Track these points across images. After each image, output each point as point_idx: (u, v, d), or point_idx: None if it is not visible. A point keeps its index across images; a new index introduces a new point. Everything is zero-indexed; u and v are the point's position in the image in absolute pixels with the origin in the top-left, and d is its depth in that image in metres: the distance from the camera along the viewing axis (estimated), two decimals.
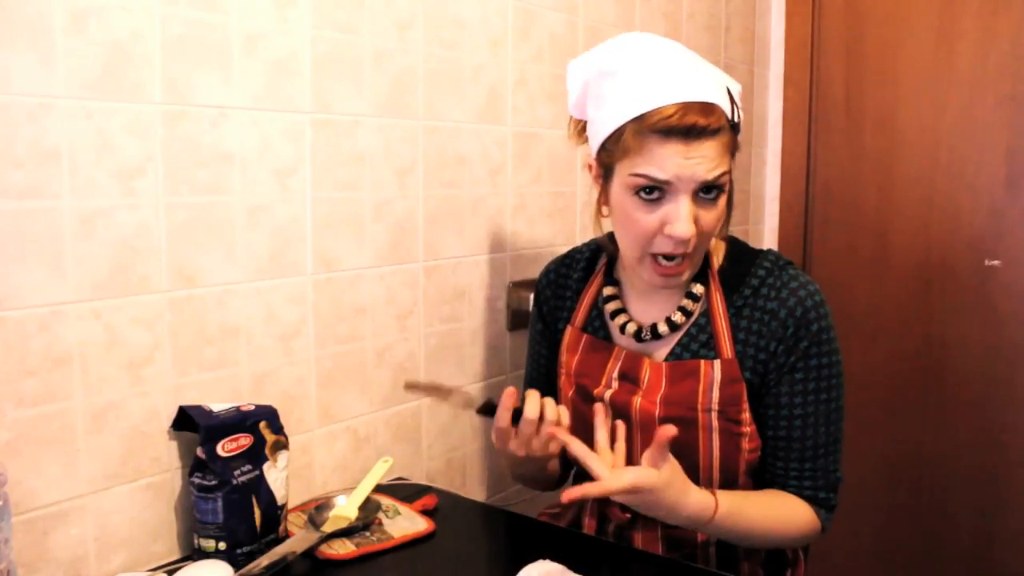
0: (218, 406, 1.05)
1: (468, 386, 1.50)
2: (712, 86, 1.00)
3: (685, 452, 1.06)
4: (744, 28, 2.29)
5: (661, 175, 0.98)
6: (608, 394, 1.12)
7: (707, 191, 1.00)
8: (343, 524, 1.10)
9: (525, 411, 1.01)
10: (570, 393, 1.18)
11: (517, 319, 1.58)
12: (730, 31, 2.21)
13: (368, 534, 1.10)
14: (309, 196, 1.20)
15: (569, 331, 1.21)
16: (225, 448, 1.02)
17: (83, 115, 0.94)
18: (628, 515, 1.14)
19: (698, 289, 1.10)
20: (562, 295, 1.25)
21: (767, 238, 2.49)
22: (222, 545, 1.02)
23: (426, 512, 1.19)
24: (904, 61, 2.23)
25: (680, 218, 0.99)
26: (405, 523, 1.14)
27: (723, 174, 1.00)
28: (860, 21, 2.28)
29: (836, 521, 1.13)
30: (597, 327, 1.19)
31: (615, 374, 1.13)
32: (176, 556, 1.07)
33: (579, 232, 1.73)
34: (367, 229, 1.29)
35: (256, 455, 1.05)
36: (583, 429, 1.12)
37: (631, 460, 1.09)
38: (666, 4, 1.93)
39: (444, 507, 1.22)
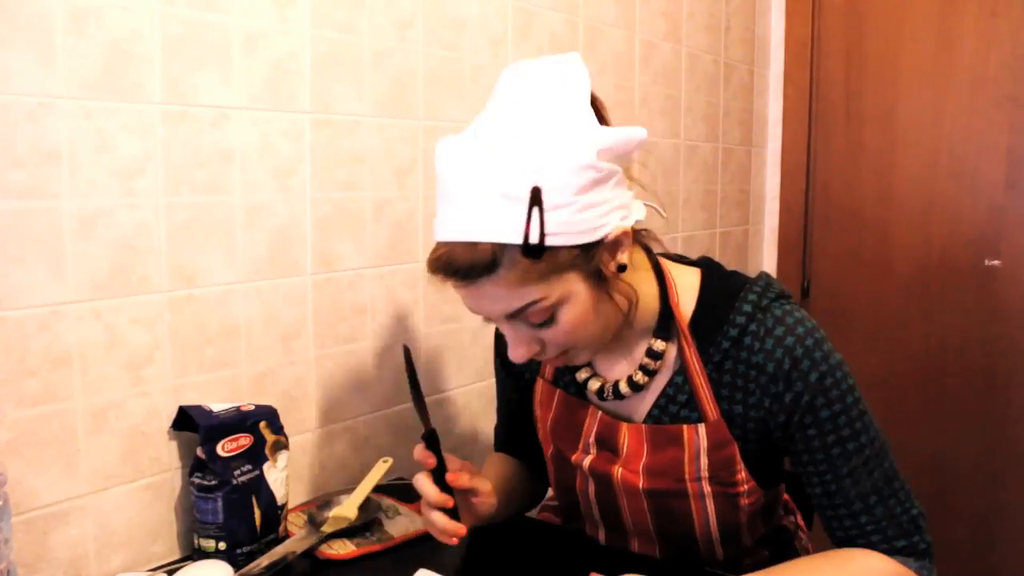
0: (218, 406, 1.05)
1: (468, 386, 1.50)
2: (483, 211, 0.80)
3: (678, 520, 0.99)
4: (744, 28, 2.29)
5: (468, 308, 0.89)
6: (587, 461, 1.01)
7: (529, 318, 0.85)
8: (343, 524, 1.10)
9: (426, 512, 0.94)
10: (549, 452, 1.08)
11: None
12: (730, 31, 2.21)
13: (368, 534, 1.10)
14: (309, 196, 1.20)
15: (540, 384, 1.08)
16: (225, 448, 1.02)
17: (83, 115, 0.94)
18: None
19: (659, 346, 0.95)
20: None
21: (767, 238, 2.49)
22: (222, 545, 1.02)
23: None
24: (904, 61, 2.23)
25: (510, 345, 0.89)
26: (405, 523, 1.14)
27: (528, 305, 0.83)
28: (860, 21, 2.28)
29: None
30: (568, 381, 1.05)
31: (591, 439, 1.01)
32: (176, 556, 1.07)
33: None
34: (367, 229, 1.29)
35: (256, 455, 1.05)
36: (569, 490, 1.07)
37: (623, 523, 1.04)
38: (666, 4, 1.93)
39: None
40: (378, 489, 1.20)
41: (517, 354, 0.89)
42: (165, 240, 1.03)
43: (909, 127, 2.24)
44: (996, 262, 2.15)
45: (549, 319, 0.85)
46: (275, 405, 1.11)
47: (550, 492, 1.30)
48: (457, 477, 0.94)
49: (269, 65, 1.13)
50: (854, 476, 0.92)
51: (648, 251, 0.99)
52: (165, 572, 1.02)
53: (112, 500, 1.01)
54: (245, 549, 1.03)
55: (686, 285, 0.97)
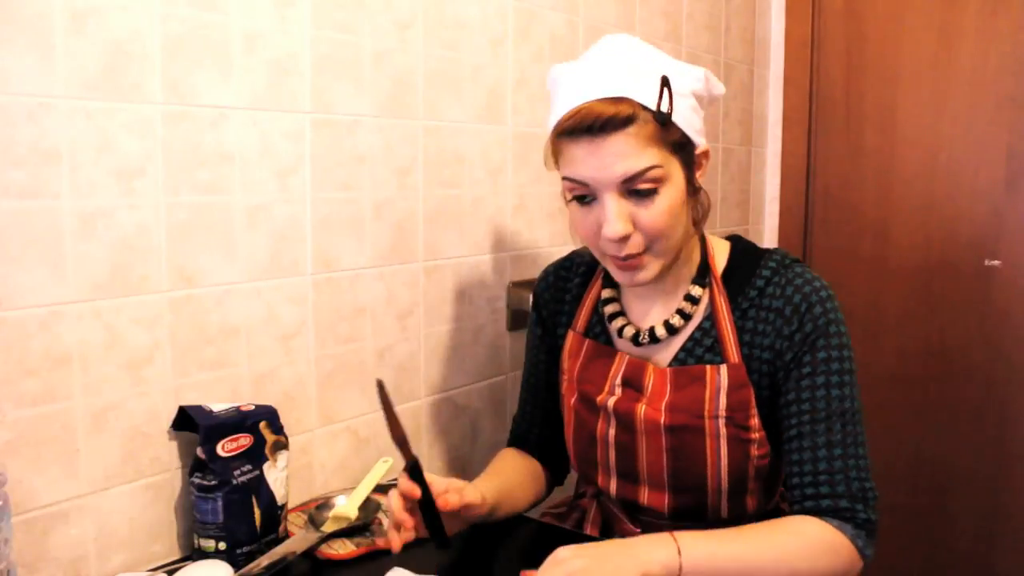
0: (218, 406, 1.05)
1: (468, 386, 1.50)
2: (628, 78, 0.95)
3: (691, 460, 1.04)
4: (744, 28, 2.29)
5: (578, 176, 0.97)
6: (611, 401, 1.09)
7: (636, 187, 0.95)
8: (343, 524, 1.10)
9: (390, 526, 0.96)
10: (572, 400, 1.14)
11: (517, 319, 1.58)
12: (730, 31, 2.21)
13: (368, 534, 1.10)
14: (309, 196, 1.20)
15: (570, 336, 1.18)
16: (225, 448, 1.02)
17: (83, 115, 0.94)
18: (638, 529, 1.12)
19: (696, 291, 1.07)
20: (561, 299, 1.21)
21: (767, 238, 2.48)
22: (222, 545, 1.02)
23: None
24: (904, 61, 2.23)
25: (607, 219, 0.96)
26: None
27: (648, 168, 0.94)
28: (860, 21, 2.28)
29: None
30: (598, 332, 1.15)
31: (618, 380, 1.10)
32: (176, 556, 1.07)
33: None
34: (367, 229, 1.29)
35: (256, 455, 1.05)
36: (588, 438, 1.12)
37: (637, 469, 1.09)
38: (666, 4, 1.93)
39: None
40: (378, 489, 1.20)
41: (616, 228, 0.96)
42: (165, 240, 1.03)
43: (909, 127, 2.24)
44: (996, 262, 2.15)
45: (652, 191, 0.96)
46: (275, 405, 1.11)
47: (553, 499, 1.31)
48: (446, 503, 0.95)
49: (269, 65, 1.13)
50: (828, 423, 0.99)
51: None
52: (165, 572, 1.02)
53: (112, 500, 1.01)
54: (245, 549, 1.03)
55: (719, 247, 1.12)
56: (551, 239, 1.66)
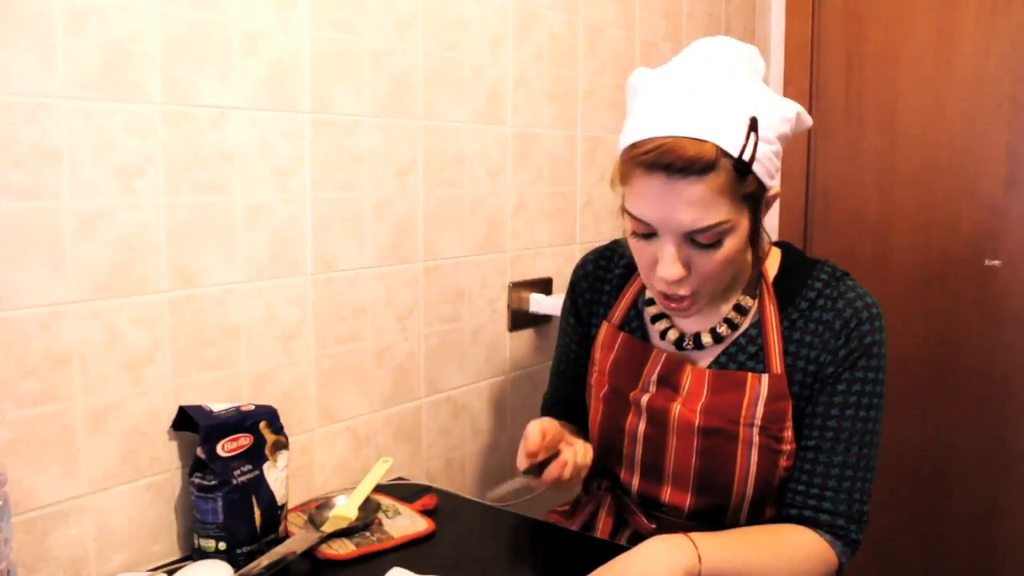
0: (218, 406, 1.05)
1: (468, 386, 1.50)
2: (718, 116, 0.89)
3: (721, 464, 1.04)
4: (744, 28, 2.29)
5: (644, 216, 0.93)
6: (645, 399, 1.08)
7: (699, 239, 0.92)
8: (343, 524, 1.10)
9: (546, 474, 0.99)
10: (603, 392, 1.13)
11: (517, 319, 1.58)
12: (730, 31, 2.21)
13: (368, 534, 1.10)
14: (309, 196, 1.20)
15: (605, 328, 1.16)
16: (225, 448, 1.02)
17: (83, 115, 0.94)
18: (654, 525, 1.11)
19: (747, 302, 1.05)
20: (600, 289, 1.19)
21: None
22: (222, 545, 1.02)
23: (426, 512, 1.19)
24: (904, 61, 2.23)
25: (663, 261, 0.93)
26: (405, 523, 1.14)
27: (717, 224, 0.90)
28: (860, 21, 2.28)
29: None
30: (635, 327, 1.13)
31: (654, 377, 1.08)
32: (176, 556, 1.07)
33: (579, 232, 1.73)
34: (367, 229, 1.29)
35: (256, 455, 1.05)
36: (616, 430, 1.11)
37: (663, 467, 1.08)
38: (666, 4, 1.93)
39: (444, 507, 1.22)
40: (378, 489, 1.20)
41: (671, 272, 0.93)
42: (165, 240, 1.03)
43: (909, 127, 2.24)
44: (996, 262, 2.15)
45: (716, 243, 0.92)
46: (275, 405, 1.11)
47: (558, 497, 1.31)
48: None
49: (269, 65, 1.13)
50: (848, 443, 1.00)
51: None
52: (165, 572, 1.02)
53: (112, 500, 1.01)
54: (245, 549, 1.03)
55: (771, 255, 1.09)
56: (551, 239, 1.66)
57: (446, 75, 1.39)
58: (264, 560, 0.99)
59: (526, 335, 1.62)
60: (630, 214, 0.95)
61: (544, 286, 1.63)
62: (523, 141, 1.56)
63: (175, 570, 0.98)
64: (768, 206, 0.98)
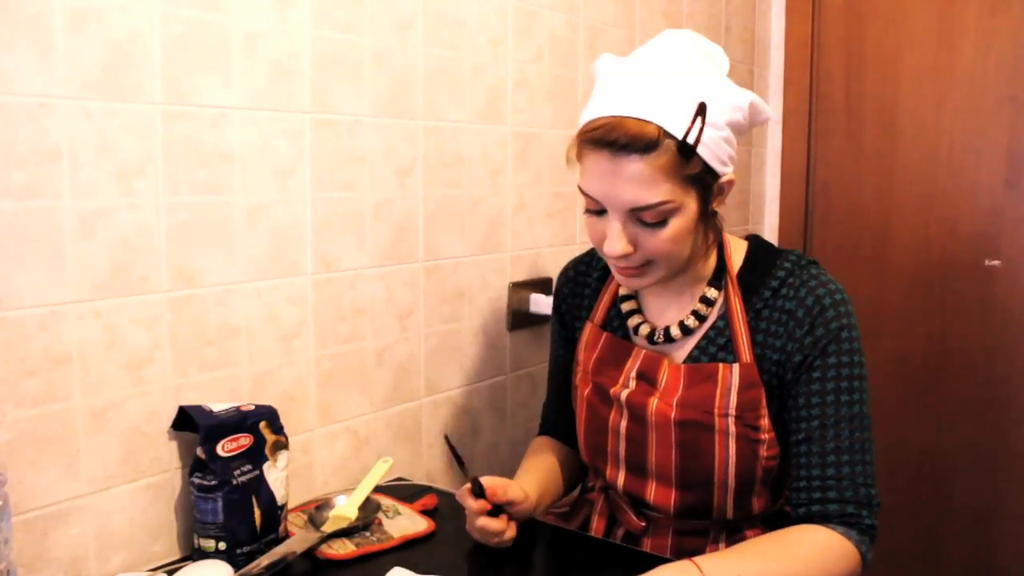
0: (218, 406, 1.05)
1: (468, 386, 1.50)
2: (665, 100, 0.92)
3: (700, 456, 1.05)
4: (744, 28, 2.29)
5: (591, 192, 0.97)
6: (624, 394, 1.10)
7: (642, 217, 0.95)
8: (343, 524, 1.10)
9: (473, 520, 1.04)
10: (586, 391, 1.16)
11: (517, 319, 1.58)
12: (730, 31, 2.21)
13: (368, 534, 1.10)
14: (309, 196, 1.20)
15: (588, 328, 1.19)
16: (225, 448, 1.02)
17: (83, 115, 0.94)
18: (644, 524, 1.13)
19: (712, 293, 1.08)
20: (581, 293, 1.23)
21: (767, 238, 2.48)
22: (222, 545, 1.02)
23: (426, 512, 1.19)
24: (904, 61, 2.23)
25: (608, 237, 0.98)
26: (405, 523, 1.14)
27: (658, 204, 0.93)
28: (860, 21, 2.28)
29: None
30: (616, 327, 1.17)
31: (633, 373, 1.11)
32: (176, 556, 1.07)
33: (579, 232, 1.73)
34: (367, 229, 1.29)
35: (256, 455, 1.05)
36: (600, 428, 1.13)
37: (643, 462, 1.10)
38: (666, 4, 1.93)
39: (444, 507, 1.22)
40: (378, 489, 1.20)
41: (615, 248, 0.97)
42: (165, 240, 1.03)
43: (909, 127, 2.24)
44: (996, 262, 2.15)
45: (660, 223, 0.95)
46: (275, 405, 1.11)
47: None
48: (495, 491, 1.04)
49: (269, 65, 1.13)
50: (837, 428, 1.00)
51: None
52: (165, 572, 1.02)
53: (112, 500, 1.01)
54: (245, 549, 1.03)
55: (736, 247, 1.12)
56: (551, 239, 1.66)
57: (446, 75, 1.39)
58: (264, 560, 0.99)
59: (526, 335, 1.62)
60: (582, 191, 0.99)
61: (544, 286, 1.63)
62: (523, 141, 1.56)
63: (175, 570, 0.98)
64: (722, 192, 1.01)
